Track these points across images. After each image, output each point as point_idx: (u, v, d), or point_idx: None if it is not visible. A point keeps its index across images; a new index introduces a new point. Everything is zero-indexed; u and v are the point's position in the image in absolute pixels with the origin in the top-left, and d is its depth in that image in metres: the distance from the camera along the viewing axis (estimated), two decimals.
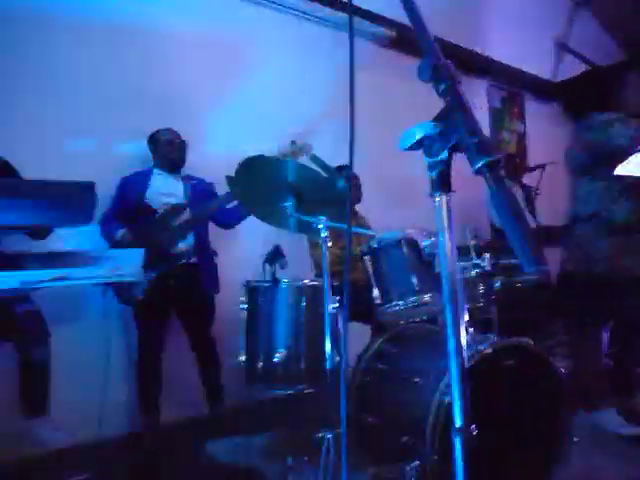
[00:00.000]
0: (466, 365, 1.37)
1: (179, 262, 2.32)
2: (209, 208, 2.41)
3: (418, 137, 0.64)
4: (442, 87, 0.62)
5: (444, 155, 0.63)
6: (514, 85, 5.03)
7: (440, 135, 0.63)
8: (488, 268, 1.67)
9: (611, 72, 5.24)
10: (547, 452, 1.58)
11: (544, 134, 5.07)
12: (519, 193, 4.06)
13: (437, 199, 0.68)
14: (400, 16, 3.24)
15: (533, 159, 4.93)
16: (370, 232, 2.19)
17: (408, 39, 3.97)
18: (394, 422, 1.56)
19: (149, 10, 2.76)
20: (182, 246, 2.36)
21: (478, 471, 0.89)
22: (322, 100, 3.35)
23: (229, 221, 2.60)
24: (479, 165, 0.56)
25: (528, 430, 1.56)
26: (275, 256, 1.85)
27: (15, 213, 1.34)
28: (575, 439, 1.75)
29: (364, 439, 1.56)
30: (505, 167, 4.18)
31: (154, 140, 2.54)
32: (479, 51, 4.53)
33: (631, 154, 1.97)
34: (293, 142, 2.31)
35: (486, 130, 4.77)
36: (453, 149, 0.62)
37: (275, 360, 1.75)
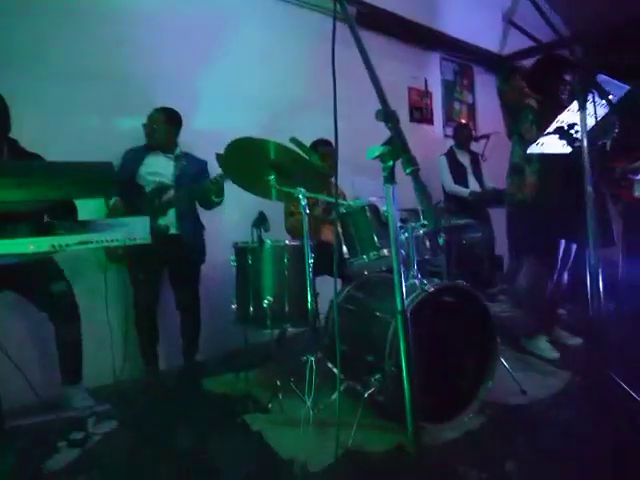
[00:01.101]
0: (414, 301, 1.81)
1: (158, 235, 2.48)
2: (193, 192, 2.62)
3: (377, 153, 1.03)
4: (389, 125, 1.01)
5: (390, 163, 1.02)
6: (465, 58, 5.40)
7: (388, 152, 1.02)
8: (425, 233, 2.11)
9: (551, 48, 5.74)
10: (479, 366, 2.06)
11: (491, 104, 5.52)
12: (467, 159, 4.52)
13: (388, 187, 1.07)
14: None
15: (482, 127, 5.41)
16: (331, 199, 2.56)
17: (367, 16, 4.26)
18: (361, 347, 2.01)
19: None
20: (161, 222, 2.58)
21: (424, 379, 1.33)
22: (296, 76, 3.65)
23: (210, 205, 2.76)
24: (408, 171, 0.95)
25: (465, 349, 2.04)
26: (261, 221, 2.21)
27: (55, 189, 1.65)
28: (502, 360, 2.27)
29: (339, 361, 1.99)
30: (458, 136, 4.62)
31: (154, 122, 2.69)
32: (433, 27, 4.86)
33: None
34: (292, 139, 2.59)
35: (439, 100, 5.17)
36: (395, 160, 1.02)
37: (264, 305, 2.15)
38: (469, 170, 4.47)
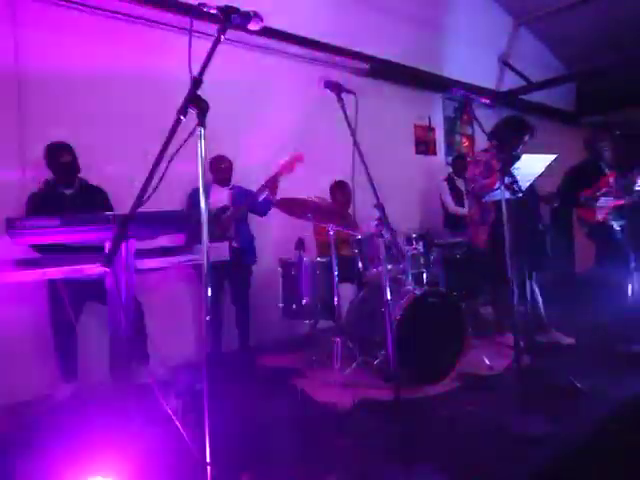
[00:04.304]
0: (408, 303, 2.69)
1: (231, 242, 3.42)
2: (243, 206, 3.53)
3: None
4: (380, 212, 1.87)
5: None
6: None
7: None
8: (421, 250, 2.99)
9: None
10: (455, 344, 2.90)
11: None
12: (463, 184, 5.35)
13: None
14: (370, 51, 4.51)
15: None
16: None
17: (378, 69, 5.17)
18: (372, 331, 2.88)
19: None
20: (228, 234, 3.50)
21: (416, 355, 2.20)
22: (315, 123, 4.55)
23: (261, 211, 3.69)
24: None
25: (445, 335, 2.88)
26: (300, 244, 3.12)
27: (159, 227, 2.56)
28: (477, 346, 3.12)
29: (356, 342, 2.87)
30: (455, 165, 5.48)
31: (213, 164, 3.64)
32: (435, 72, 5.75)
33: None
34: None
35: (441, 134, 6.05)
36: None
37: (303, 303, 3.04)
38: (465, 194, 5.31)
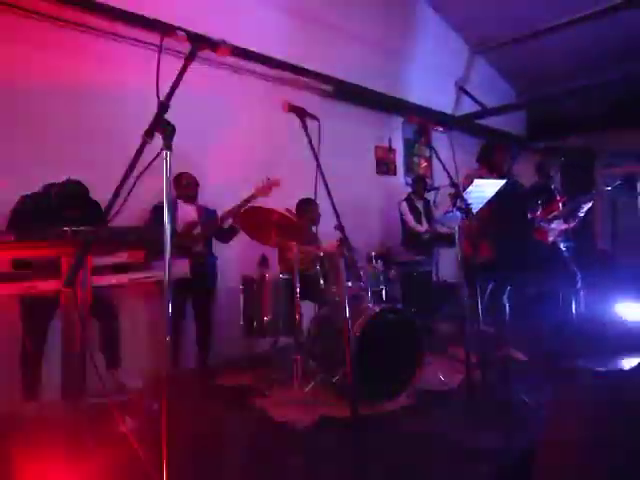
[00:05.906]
0: (367, 319, 2.76)
1: (199, 257, 3.45)
2: (212, 226, 3.57)
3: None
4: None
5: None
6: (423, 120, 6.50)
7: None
8: (381, 268, 3.08)
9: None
10: (411, 360, 2.99)
11: (445, 157, 6.62)
12: (421, 204, 5.54)
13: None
14: (334, 73, 4.64)
15: (437, 176, 6.53)
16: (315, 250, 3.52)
17: (341, 91, 5.31)
18: (331, 349, 2.92)
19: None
20: (198, 248, 3.53)
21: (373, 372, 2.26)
22: (281, 142, 4.61)
23: (224, 239, 3.73)
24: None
25: (402, 351, 2.96)
26: (263, 261, 3.14)
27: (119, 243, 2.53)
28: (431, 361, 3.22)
29: (316, 359, 2.91)
30: (415, 186, 5.66)
31: (178, 180, 3.61)
32: (396, 95, 5.96)
33: None
34: (268, 178, 3.57)
35: (401, 155, 6.26)
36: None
37: (265, 320, 3.05)
38: (423, 214, 5.49)
